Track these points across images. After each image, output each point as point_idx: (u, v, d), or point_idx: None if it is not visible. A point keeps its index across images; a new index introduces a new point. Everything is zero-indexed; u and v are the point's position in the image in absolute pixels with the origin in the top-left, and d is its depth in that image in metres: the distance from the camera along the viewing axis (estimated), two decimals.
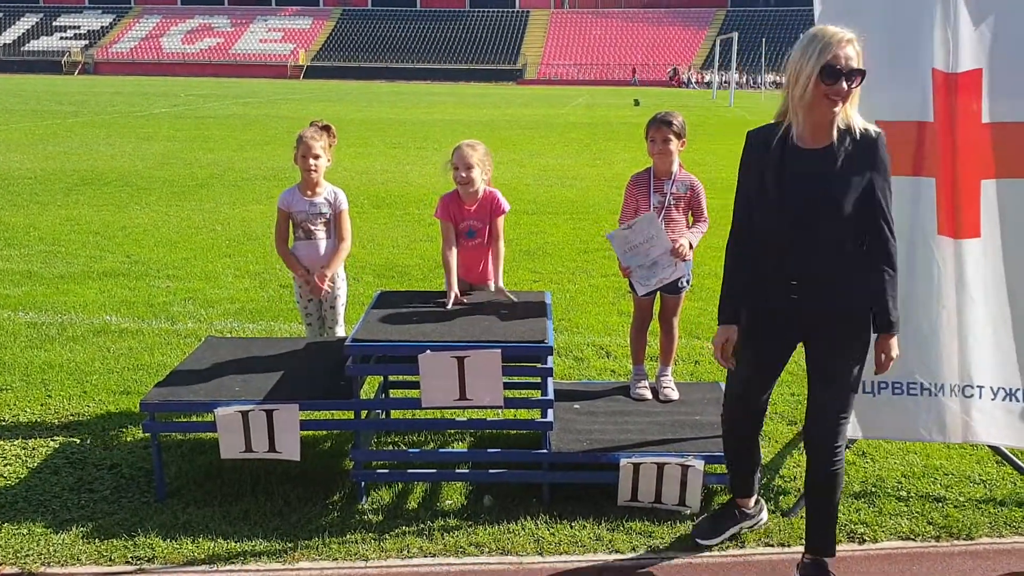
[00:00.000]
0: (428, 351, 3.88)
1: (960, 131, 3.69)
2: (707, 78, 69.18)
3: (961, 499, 4.12)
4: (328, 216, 4.90)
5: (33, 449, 4.56)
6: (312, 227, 4.88)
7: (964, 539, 3.82)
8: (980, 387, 3.87)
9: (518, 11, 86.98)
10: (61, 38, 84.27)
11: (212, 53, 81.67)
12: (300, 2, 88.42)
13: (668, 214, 4.50)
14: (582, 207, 12.10)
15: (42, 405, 5.11)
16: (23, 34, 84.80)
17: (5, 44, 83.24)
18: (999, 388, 3.87)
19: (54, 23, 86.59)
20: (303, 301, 5.00)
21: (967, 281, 3.77)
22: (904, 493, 4.17)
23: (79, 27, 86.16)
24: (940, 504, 4.07)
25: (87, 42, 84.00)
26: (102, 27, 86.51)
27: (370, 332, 4.09)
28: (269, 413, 3.95)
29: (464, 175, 4.53)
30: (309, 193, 4.89)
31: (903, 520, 3.93)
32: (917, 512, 4.00)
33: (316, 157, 4.81)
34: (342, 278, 5.02)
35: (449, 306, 4.41)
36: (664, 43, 79.70)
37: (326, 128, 4.91)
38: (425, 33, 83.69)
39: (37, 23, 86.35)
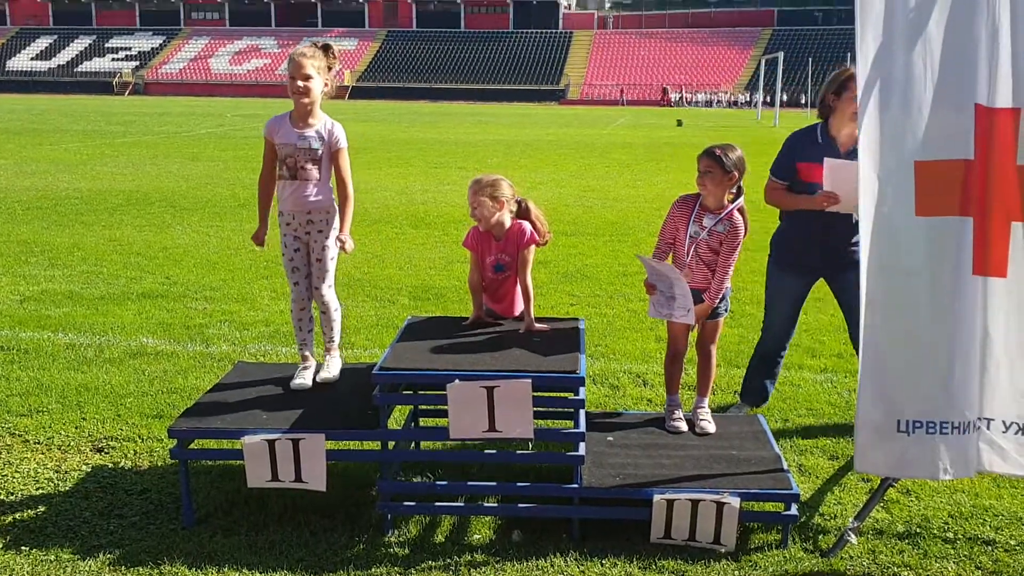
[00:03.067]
0: (456, 380, 3.81)
1: (995, 169, 3.54)
2: (693, 99, 71.32)
3: (1012, 542, 3.94)
4: (319, 154, 4.27)
5: (65, 473, 4.56)
6: (298, 165, 4.24)
7: None
8: (989, 419, 3.70)
9: (562, 32, 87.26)
10: (112, 59, 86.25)
11: (259, 74, 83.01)
12: (346, 24, 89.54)
13: (698, 250, 4.37)
14: (622, 229, 11.99)
15: (76, 428, 5.13)
16: (76, 55, 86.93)
17: (59, 65, 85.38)
18: (1011, 423, 3.70)
19: (106, 45, 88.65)
20: (289, 252, 4.42)
21: (988, 318, 3.62)
22: (951, 534, 4.00)
23: (130, 48, 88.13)
24: (989, 547, 3.89)
25: (138, 63, 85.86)
26: (152, 48, 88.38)
27: (398, 360, 4.03)
28: (295, 442, 3.90)
29: (473, 213, 4.46)
30: (300, 124, 4.26)
31: (949, 563, 3.76)
32: (964, 555, 3.83)
33: (307, 78, 4.15)
34: (334, 227, 4.38)
35: (469, 322, 4.52)
36: (709, 63, 79.38)
37: (325, 48, 4.28)
38: (469, 54, 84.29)
39: (90, 45, 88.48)
